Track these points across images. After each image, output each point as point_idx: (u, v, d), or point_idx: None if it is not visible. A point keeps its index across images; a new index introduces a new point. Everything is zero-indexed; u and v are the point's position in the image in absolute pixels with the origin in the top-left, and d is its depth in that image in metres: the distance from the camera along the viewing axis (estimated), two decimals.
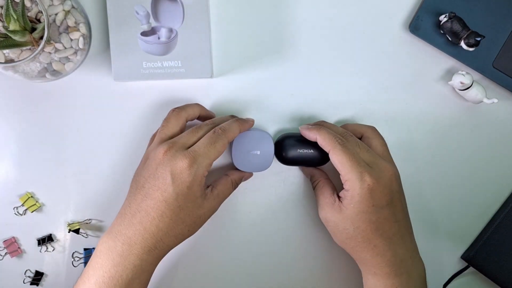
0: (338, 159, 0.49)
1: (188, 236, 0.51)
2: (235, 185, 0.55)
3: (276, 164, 0.57)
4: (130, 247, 0.47)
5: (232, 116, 0.56)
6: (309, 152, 0.55)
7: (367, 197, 0.48)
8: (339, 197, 0.51)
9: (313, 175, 0.57)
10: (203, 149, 0.48)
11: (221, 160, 0.58)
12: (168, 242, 0.49)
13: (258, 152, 0.55)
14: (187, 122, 0.53)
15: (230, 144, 0.55)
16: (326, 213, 0.52)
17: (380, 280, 0.51)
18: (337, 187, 0.54)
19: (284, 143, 0.55)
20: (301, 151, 0.55)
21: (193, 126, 0.52)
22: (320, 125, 0.54)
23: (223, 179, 0.54)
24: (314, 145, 0.53)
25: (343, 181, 0.50)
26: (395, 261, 0.50)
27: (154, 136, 0.55)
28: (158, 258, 0.50)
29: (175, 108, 0.53)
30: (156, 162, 0.48)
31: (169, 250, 0.50)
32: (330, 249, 0.59)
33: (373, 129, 0.55)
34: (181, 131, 0.52)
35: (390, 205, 0.50)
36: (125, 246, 0.47)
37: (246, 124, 0.54)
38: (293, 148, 0.55)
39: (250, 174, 0.57)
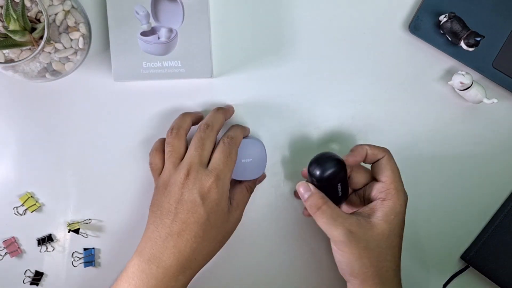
0: (391, 164, 0.50)
1: (217, 251, 0.52)
2: (250, 191, 0.55)
3: (275, 165, 0.58)
4: (165, 270, 0.48)
5: (218, 109, 0.54)
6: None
7: (404, 210, 0.50)
8: (359, 213, 0.50)
9: (312, 200, 0.50)
10: (222, 164, 0.50)
11: None
12: (201, 261, 0.51)
13: (249, 160, 0.55)
14: (186, 135, 0.54)
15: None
16: (356, 236, 0.48)
17: None
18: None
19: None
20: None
21: (194, 137, 0.52)
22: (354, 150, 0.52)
23: (238, 188, 0.54)
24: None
25: (385, 189, 0.49)
26: (399, 271, 0.51)
27: (156, 151, 0.54)
28: (191, 276, 0.51)
29: (171, 130, 0.53)
30: (180, 186, 0.49)
31: (200, 268, 0.51)
32: (330, 249, 0.59)
33: (389, 155, 0.52)
34: (186, 147, 0.52)
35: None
36: (160, 269, 0.48)
37: (228, 113, 0.55)
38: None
39: (264, 176, 0.58)
